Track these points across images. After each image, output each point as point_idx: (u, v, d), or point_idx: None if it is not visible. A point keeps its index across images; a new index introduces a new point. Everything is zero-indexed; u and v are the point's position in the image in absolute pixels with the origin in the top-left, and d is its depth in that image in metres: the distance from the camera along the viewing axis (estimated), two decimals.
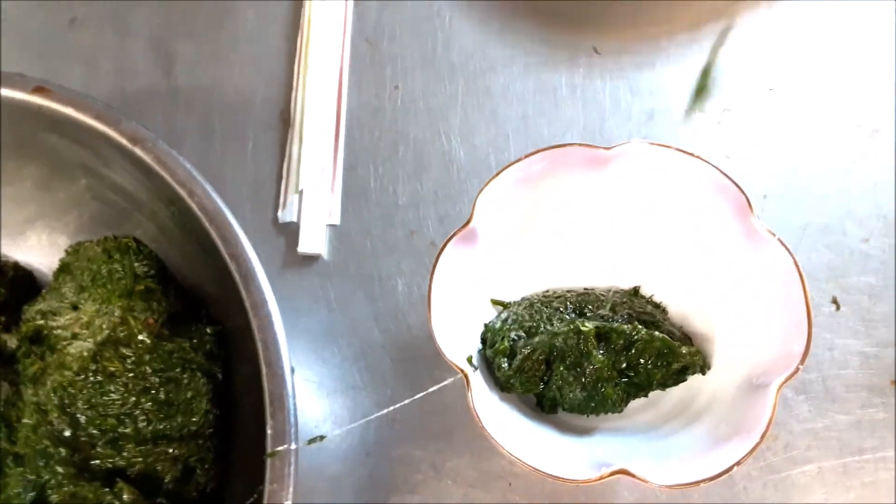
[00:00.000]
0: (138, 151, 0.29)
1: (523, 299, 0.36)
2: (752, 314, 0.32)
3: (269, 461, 0.26)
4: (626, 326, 0.32)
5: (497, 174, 0.33)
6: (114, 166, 0.32)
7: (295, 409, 0.27)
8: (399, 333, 0.39)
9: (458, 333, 0.33)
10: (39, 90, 0.30)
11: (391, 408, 0.32)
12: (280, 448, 0.26)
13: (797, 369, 0.29)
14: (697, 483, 0.28)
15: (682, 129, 0.41)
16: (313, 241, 0.40)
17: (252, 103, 0.44)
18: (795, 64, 0.42)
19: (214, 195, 0.29)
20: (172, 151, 0.29)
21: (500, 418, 0.32)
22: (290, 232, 0.41)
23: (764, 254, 0.31)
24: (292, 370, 0.27)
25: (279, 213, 0.41)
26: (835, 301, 0.37)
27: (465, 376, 0.30)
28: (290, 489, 0.26)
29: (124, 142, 0.30)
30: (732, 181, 0.32)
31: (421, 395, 0.32)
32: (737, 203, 0.32)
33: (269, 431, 0.26)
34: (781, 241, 0.31)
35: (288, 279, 0.40)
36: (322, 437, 0.30)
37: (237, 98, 0.44)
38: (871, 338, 0.36)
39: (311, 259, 0.40)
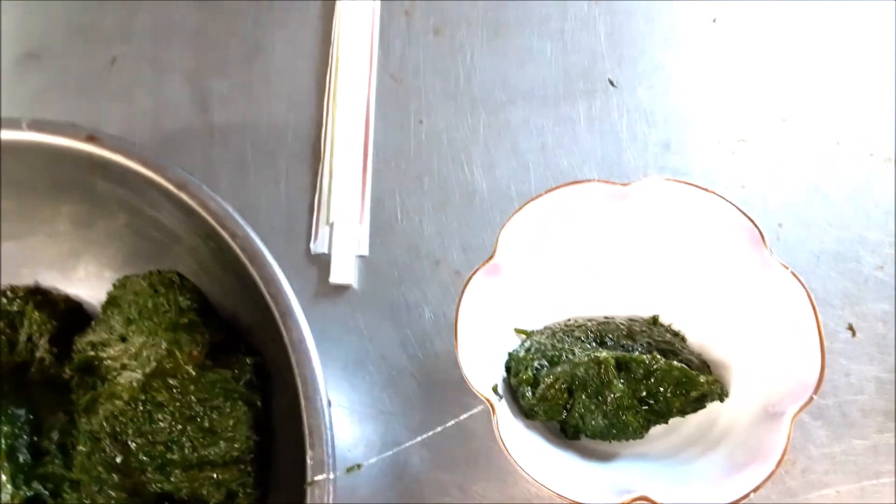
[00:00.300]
0: (183, 196, 0.31)
1: (545, 328, 0.38)
2: (767, 344, 0.33)
3: (308, 490, 0.28)
4: (645, 357, 0.34)
5: (519, 209, 0.35)
6: (157, 207, 0.34)
7: (332, 441, 0.28)
8: (427, 360, 0.41)
9: (483, 362, 0.35)
10: (91, 139, 0.33)
11: (424, 436, 0.34)
12: (319, 477, 0.27)
13: (810, 399, 0.30)
14: None
15: (698, 159, 0.42)
16: (344, 271, 0.42)
17: (284, 138, 0.46)
18: (808, 94, 0.43)
19: (254, 236, 0.31)
20: (216, 196, 0.31)
21: (526, 445, 0.33)
22: (322, 263, 0.42)
23: (778, 285, 0.33)
24: (329, 403, 0.29)
25: (311, 245, 0.43)
26: (850, 328, 0.38)
27: (491, 405, 0.32)
28: None
29: (170, 187, 0.32)
30: (746, 216, 0.33)
31: (452, 422, 0.34)
32: (751, 236, 0.33)
33: (308, 462, 0.28)
34: (794, 274, 0.32)
35: (320, 308, 0.42)
36: (359, 466, 0.32)
37: (270, 133, 0.46)
38: (886, 363, 0.37)
39: (342, 289, 0.42)
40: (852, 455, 0.36)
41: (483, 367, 0.34)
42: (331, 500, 0.27)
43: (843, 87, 0.43)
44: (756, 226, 0.33)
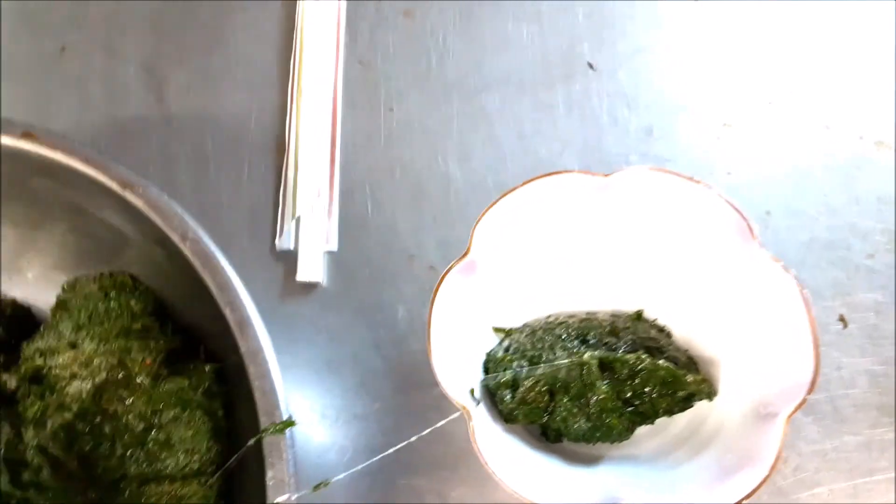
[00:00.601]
0: (129, 197, 0.29)
1: (525, 326, 0.36)
2: (757, 341, 0.32)
3: None
4: (629, 356, 0.32)
5: (495, 203, 0.33)
6: (104, 209, 0.32)
7: (294, 458, 0.26)
8: (402, 361, 0.39)
9: (459, 364, 0.33)
10: (27, 136, 0.30)
11: (398, 445, 0.32)
12: (280, 499, 0.25)
13: (804, 400, 0.29)
14: None
15: (681, 144, 0.40)
16: (312, 268, 0.40)
17: (246, 129, 0.43)
18: (794, 76, 0.42)
19: (207, 239, 0.29)
20: (164, 196, 0.29)
21: (504, 451, 0.31)
22: (289, 259, 0.40)
23: (768, 280, 0.31)
24: (291, 418, 0.27)
25: (277, 241, 0.40)
26: (842, 319, 0.37)
27: (467, 412, 0.30)
28: None
29: (115, 187, 0.29)
30: (734, 207, 0.32)
31: (427, 430, 0.32)
32: (739, 228, 0.31)
33: (268, 482, 0.26)
34: (786, 268, 0.30)
35: (287, 308, 0.40)
36: (326, 483, 0.30)
37: (231, 124, 0.43)
38: (879, 356, 0.36)
39: (310, 287, 0.40)
40: (845, 452, 0.34)
41: (459, 370, 0.32)
42: None
43: (832, 69, 0.41)
44: (744, 217, 0.31)
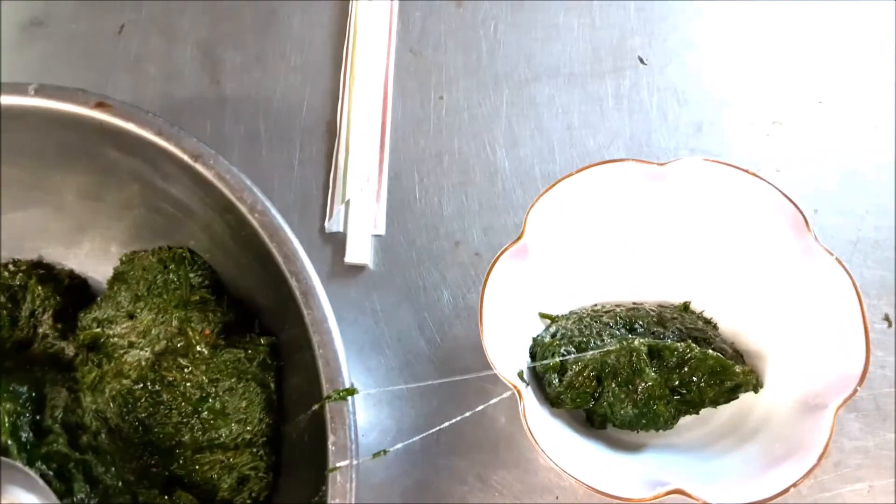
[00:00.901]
0: (199, 167, 0.30)
1: (572, 313, 0.36)
2: (806, 333, 0.32)
3: (330, 476, 0.26)
4: (679, 344, 0.32)
5: (550, 188, 0.33)
6: (170, 179, 0.32)
7: (355, 426, 0.27)
8: (445, 344, 0.39)
9: (507, 347, 0.33)
10: (101, 105, 0.31)
11: (445, 424, 0.32)
12: (342, 463, 0.26)
13: (854, 391, 0.29)
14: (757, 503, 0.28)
15: (731, 141, 0.41)
16: (359, 251, 0.40)
17: (298, 111, 0.44)
18: (845, 75, 0.42)
19: (274, 211, 0.29)
20: (233, 168, 0.30)
21: (551, 433, 0.32)
22: (337, 241, 0.41)
23: (820, 272, 0.31)
24: (353, 386, 0.28)
25: (326, 223, 0.41)
26: (887, 318, 0.37)
27: (518, 391, 0.31)
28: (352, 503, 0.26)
29: (185, 157, 0.30)
30: (789, 198, 0.32)
31: (470, 412, 0.33)
32: (793, 220, 0.32)
33: (330, 447, 0.26)
34: (839, 261, 0.31)
35: (335, 289, 0.40)
36: (385, 452, 0.31)
37: (284, 106, 0.44)
38: None
39: (357, 269, 0.41)
40: (886, 449, 0.34)
41: (507, 353, 0.33)
42: (353, 487, 0.26)
43: (882, 70, 0.41)
44: (800, 210, 0.32)
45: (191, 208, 0.33)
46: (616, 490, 0.29)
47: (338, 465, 0.26)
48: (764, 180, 0.32)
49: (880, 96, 0.41)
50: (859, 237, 0.38)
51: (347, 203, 0.41)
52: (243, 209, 0.29)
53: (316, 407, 0.26)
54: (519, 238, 0.33)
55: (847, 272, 0.30)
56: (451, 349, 0.39)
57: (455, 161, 0.42)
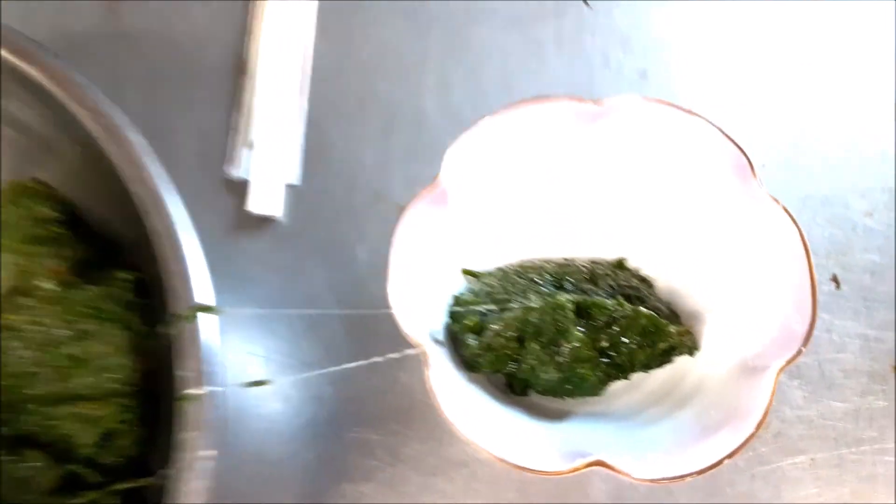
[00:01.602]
0: (54, 89, 0.25)
1: (497, 269, 0.33)
2: (748, 290, 0.29)
3: (180, 407, 0.22)
4: (608, 301, 0.29)
5: (472, 127, 0.30)
6: (24, 102, 0.28)
7: (216, 351, 0.23)
8: (359, 306, 0.35)
9: (421, 305, 0.30)
10: None
11: (339, 367, 0.28)
12: (194, 391, 0.22)
13: (799, 352, 0.26)
14: (683, 478, 0.25)
15: (677, 90, 0.38)
16: (266, 200, 0.36)
17: (205, 49, 0.39)
18: (802, 20, 0.39)
19: (120, 115, 0.25)
20: (97, 92, 0.25)
21: (464, 400, 0.28)
22: (243, 192, 0.37)
23: (765, 223, 0.28)
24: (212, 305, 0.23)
25: (227, 168, 0.37)
26: (834, 279, 0.34)
27: (424, 351, 0.27)
28: (208, 437, 0.22)
29: (40, 78, 0.25)
30: (732, 140, 0.29)
31: (366, 361, 0.29)
32: (737, 164, 0.29)
33: (177, 372, 0.22)
34: (786, 210, 0.28)
35: (237, 243, 0.36)
36: (263, 382, 0.27)
37: (188, 42, 0.39)
38: (873, 319, 0.33)
39: (265, 222, 0.36)
40: (831, 419, 0.32)
41: (421, 311, 0.29)
42: (212, 420, 0.22)
43: (843, 14, 0.39)
44: (744, 152, 0.29)
45: (45, 136, 0.29)
46: (530, 462, 0.26)
47: (188, 391, 0.22)
48: (706, 120, 0.29)
49: (839, 44, 0.38)
50: (808, 194, 0.36)
51: (253, 147, 0.37)
52: (75, 109, 0.24)
53: (164, 329, 0.22)
54: (435, 182, 0.29)
55: (794, 222, 0.27)
56: (366, 312, 0.35)
57: (380, 107, 0.38)
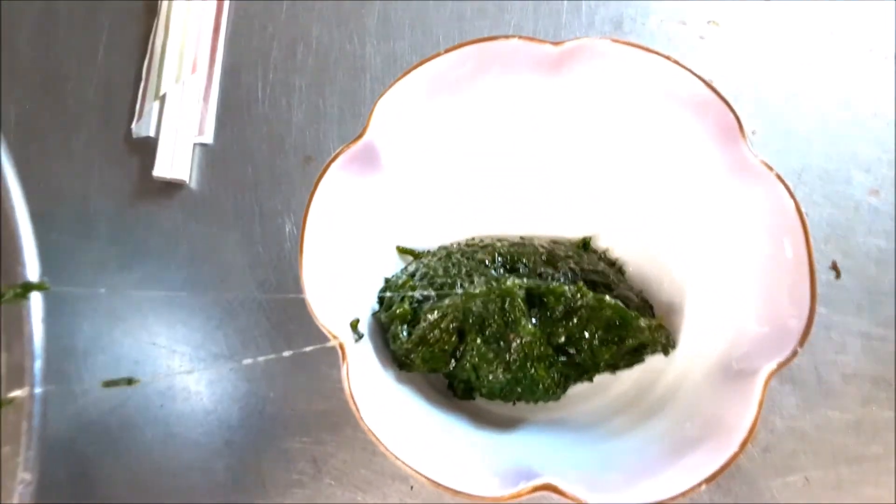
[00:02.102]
0: None
1: (440, 248, 0.28)
2: (734, 277, 0.24)
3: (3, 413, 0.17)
4: (566, 287, 0.24)
5: (407, 72, 0.24)
6: None
7: (43, 337, 0.18)
8: (282, 288, 0.30)
9: (344, 289, 0.24)
10: None
11: (245, 361, 0.24)
12: (16, 393, 0.17)
13: (794, 353, 0.21)
14: None
15: (656, 41, 0.32)
16: (175, 163, 0.31)
17: None
18: None
19: None
20: None
21: (390, 405, 0.23)
22: (148, 151, 0.31)
23: (755, 196, 0.23)
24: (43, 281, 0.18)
25: (133, 125, 0.31)
26: (834, 267, 0.29)
27: (341, 346, 0.22)
28: (30, 452, 0.17)
29: None
30: (719, 95, 0.24)
31: (273, 356, 0.24)
32: (723, 125, 0.24)
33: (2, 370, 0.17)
34: (780, 178, 0.23)
35: (140, 212, 0.31)
36: (131, 381, 0.22)
37: None
38: (877, 315, 0.29)
39: (173, 188, 0.31)
40: (828, 431, 0.27)
41: (343, 296, 0.24)
42: (34, 428, 0.17)
43: None
44: (732, 110, 0.24)
45: None
46: (463, 483, 0.21)
47: (11, 395, 0.17)
48: (688, 70, 0.24)
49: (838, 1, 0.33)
50: (805, 166, 0.31)
51: (163, 99, 0.31)
52: None
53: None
54: (361, 135, 0.24)
55: (790, 193, 0.23)
56: (292, 295, 0.30)
57: (312, 54, 0.33)
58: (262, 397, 0.29)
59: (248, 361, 0.27)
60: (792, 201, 0.22)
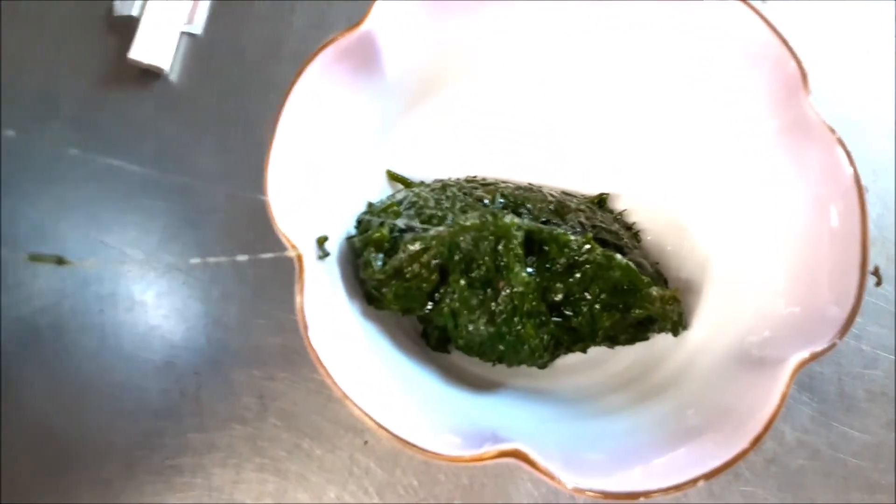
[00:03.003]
0: None
1: (436, 181, 0.24)
2: (766, 251, 0.21)
3: None
4: (574, 238, 0.21)
5: None
6: None
7: None
8: (255, 203, 0.27)
9: (320, 203, 0.21)
10: None
11: (193, 261, 0.20)
12: None
13: (832, 345, 0.18)
14: (635, 496, 0.17)
15: None
16: (155, 47, 0.27)
17: None
18: None
19: None
20: None
21: (352, 340, 0.20)
22: (130, 33, 0.28)
23: (807, 159, 0.20)
24: None
25: (115, 2, 0.28)
26: (876, 272, 0.26)
27: (299, 258, 0.19)
28: None
29: None
30: (783, 40, 0.20)
31: (226, 259, 0.21)
32: (783, 76, 0.20)
33: None
34: (842, 142, 0.19)
35: (110, 97, 0.27)
36: (62, 261, 0.19)
37: None
38: None
39: (149, 76, 0.28)
40: (844, 452, 0.24)
41: (316, 209, 0.21)
42: None
43: None
44: (797, 60, 0.20)
45: None
46: (423, 439, 0.17)
47: None
48: (749, 6, 0.20)
49: None
50: (858, 157, 0.27)
51: None
52: None
53: None
54: (357, 24, 0.20)
55: (850, 160, 0.19)
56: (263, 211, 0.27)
57: None
58: (214, 319, 0.26)
59: (195, 261, 0.24)
60: (851, 168, 0.19)
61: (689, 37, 0.21)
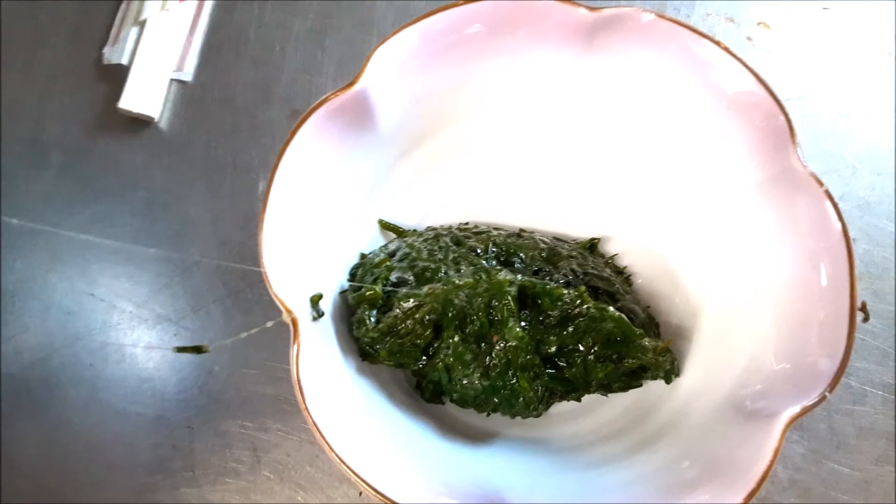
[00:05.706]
0: None
1: (428, 229, 0.24)
2: (756, 304, 0.21)
3: None
4: (567, 291, 0.21)
5: (417, 20, 0.21)
6: None
7: None
8: (246, 252, 0.27)
9: (314, 260, 0.21)
10: None
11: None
12: None
13: (821, 398, 0.18)
14: None
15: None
16: (146, 96, 0.27)
17: None
18: None
19: None
20: None
21: (346, 397, 0.20)
22: (120, 81, 0.28)
23: (796, 211, 0.20)
24: None
25: (105, 50, 0.28)
26: (863, 308, 0.26)
27: (294, 322, 0.19)
28: None
29: None
30: (772, 94, 0.20)
31: (229, 340, 0.21)
32: (771, 129, 0.20)
33: None
34: (829, 196, 0.20)
35: (100, 146, 0.27)
36: None
37: None
38: None
39: (140, 124, 0.28)
40: (835, 489, 0.24)
41: (309, 266, 0.21)
42: None
43: None
44: (785, 113, 0.20)
45: None
46: (405, 496, 0.17)
47: None
48: (739, 61, 0.21)
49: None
50: (845, 193, 0.28)
51: (143, 25, 0.28)
52: None
53: None
54: (351, 84, 0.20)
55: (839, 214, 0.19)
56: (255, 260, 0.27)
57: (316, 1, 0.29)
58: (206, 371, 0.25)
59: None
60: (839, 223, 0.19)
61: (685, 87, 0.22)
